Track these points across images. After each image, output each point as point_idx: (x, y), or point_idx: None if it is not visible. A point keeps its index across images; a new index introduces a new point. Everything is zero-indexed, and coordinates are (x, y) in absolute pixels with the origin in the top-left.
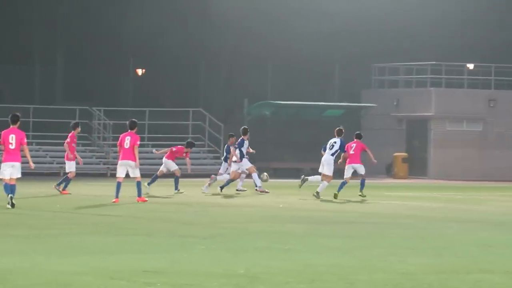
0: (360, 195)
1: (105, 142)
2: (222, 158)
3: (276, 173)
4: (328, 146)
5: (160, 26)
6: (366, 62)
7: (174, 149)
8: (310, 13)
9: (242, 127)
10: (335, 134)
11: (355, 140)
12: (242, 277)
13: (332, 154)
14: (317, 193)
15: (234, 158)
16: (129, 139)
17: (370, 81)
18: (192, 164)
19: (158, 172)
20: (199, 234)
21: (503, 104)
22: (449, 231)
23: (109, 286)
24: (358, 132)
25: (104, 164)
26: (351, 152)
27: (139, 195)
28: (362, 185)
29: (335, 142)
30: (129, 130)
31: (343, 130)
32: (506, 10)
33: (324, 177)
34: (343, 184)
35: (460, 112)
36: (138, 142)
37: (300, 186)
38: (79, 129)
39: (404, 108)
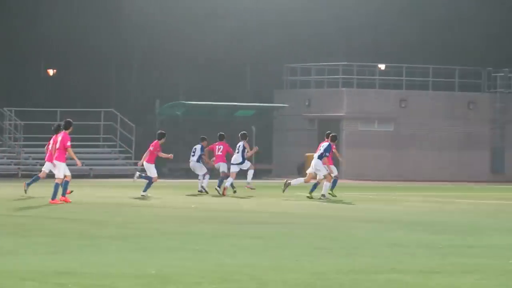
0: (330, 193)
1: (16, 143)
2: (195, 158)
3: (187, 174)
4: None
5: (72, 26)
6: (277, 62)
7: (151, 148)
8: (222, 14)
9: (242, 132)
10: (325, 137)
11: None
12: (153, 278)
13: (319, 157)
14: (323, 195)
15: (238, 160)
16: (60, 140)
17: (282, 82)
18: (103, 165)
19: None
20: (111, 234)
21: (414, 104)
22: (361, 231)
23: (20, 287)
24: (329, 132)
25: (15, 164)
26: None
27: (63, 194)
28: (334, 184)
29: (322, 146)
30: (64, 130)
31: (336, 136)
32: (417, 11)
33: (326, 177)
34: (316, 185)
35: (372, 112)
36: (69, 143)
37: (284, 190)
38: None
39: (316, 108)
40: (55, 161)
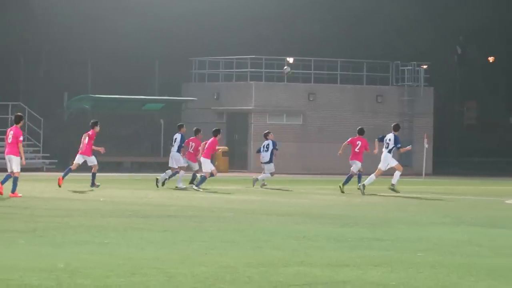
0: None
1: None
2: (175, 149)
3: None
4: (384, 142)
5: None
6: (186, 55)
7: (88, 136)
8: (130, 7)
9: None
10: (392, 129)
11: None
12: (62, 271)
13: (389, 151)
14: (393, 185)
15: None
16: (12, 134)
17: (191, 75)
18: None
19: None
20: (19, 228)
21: (323, 98)
22: (269, 224)
23: None
24: (361, 127)
25: None
26: (356, 150)
27: (13, 191)
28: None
29: (389, 140)
30: (15, 125)
31: (400, 126)
32: (325, 3)
33: (396, 167)
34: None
35: (280, 105)
36: (21, 138)
37: (363, 194)
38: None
39: (225, 101)
40: (11, 156)
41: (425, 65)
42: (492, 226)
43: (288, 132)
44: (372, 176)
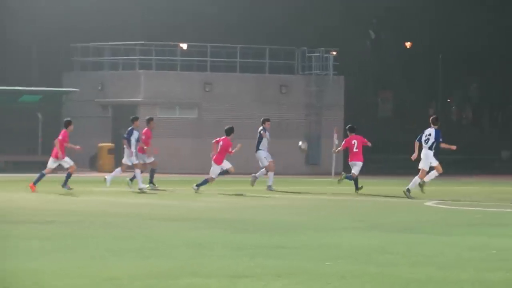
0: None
1: None
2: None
3: None
4: (423, 138)
5: None
6: (67, 41)
7: (60, 138)
8: None
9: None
10: (431, 123)
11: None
12: None
13: (430, 148)
14: (424, 181)
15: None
16: None
17: (72, 63)
18: None
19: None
20: None
21: (220, 88)
22: (158, 230)
23: None
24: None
25: None
26: (355, 150)
27: None
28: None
29: (429, 134)
30: None
31: (439, 119)
32: None
33: (436, 168)
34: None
35: (173, 97)
36: None
37: (422, 190)
38: None
39: (110, 93)
40: None
41: (334, 51)
42: (408, 231)
43: (182, 127)
44: (417, 179)
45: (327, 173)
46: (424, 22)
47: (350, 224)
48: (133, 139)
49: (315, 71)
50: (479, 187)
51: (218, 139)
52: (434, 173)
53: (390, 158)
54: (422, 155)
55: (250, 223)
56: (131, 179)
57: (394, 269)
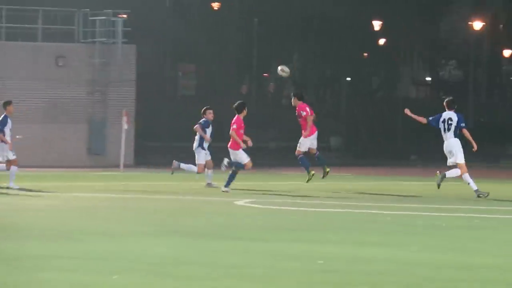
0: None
1: None
2: None
3: None
4: (443, 125)
5: None
6: None
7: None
8: None
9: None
10: (446, 106)
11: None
12: None
13: (455, 136)
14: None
15: None
16: None
17: None
18: None
19: None
20: None
21: None
22: None
23: None
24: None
25: None
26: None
27: None
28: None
29: (450, 119)
30: None
31: (455, 101)
32: None
33: (460, 167)
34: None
35: None
36: None
37: (439, 184)
38: None
39: None
40: None
41: (124, 14)
42: (214, 237)
43: None
44: (457, 172)
45: (115, 166)
46: None
47: (142, 228)
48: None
49: (100, 39)
50: (310, 182)
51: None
52: (456, 172)
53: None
54: (453, 145)
55: (13, 229)
56: None
57: (196, 283)
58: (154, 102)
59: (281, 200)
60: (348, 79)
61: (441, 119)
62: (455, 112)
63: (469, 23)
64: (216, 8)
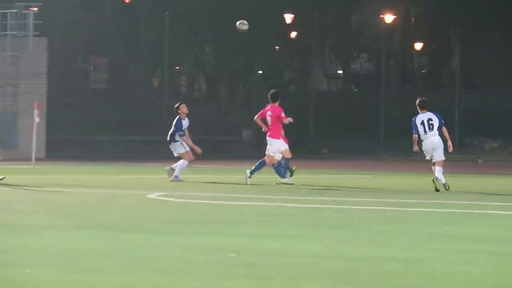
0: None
1: None
2: None
3: None
4: (422, 126)
5: None
6: None
7: None
8: None
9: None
10: (419, 108)
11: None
12: None
13: (440, 134)
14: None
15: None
16: None
17: None
18: None
19: None
20: None
21: None
22: None
23: None
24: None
25: None
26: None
27: None
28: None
29: (431, 119)
30: None
31: (427, 101)
32: None
33: (438, 163)
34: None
35: None
36: None
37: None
38: None
39: None
40: None
41: (36, 7)
42: (127, 231)
43: None
44: (440, 168)
45: (27, 159)
46: None
47: (55, 222)
48: None
49: (11, 32)
50: (222, 175)
51: (261, 111)
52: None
53: (104, 140)
54: (436, 144)
55: None
56: None
57: (112, 276)
58: (65, 95)
59: (195, 194)
60: (260, 72)
61: (419, 122)
62: (431, 112)
63: (381, 16)
64: (128, 1)
